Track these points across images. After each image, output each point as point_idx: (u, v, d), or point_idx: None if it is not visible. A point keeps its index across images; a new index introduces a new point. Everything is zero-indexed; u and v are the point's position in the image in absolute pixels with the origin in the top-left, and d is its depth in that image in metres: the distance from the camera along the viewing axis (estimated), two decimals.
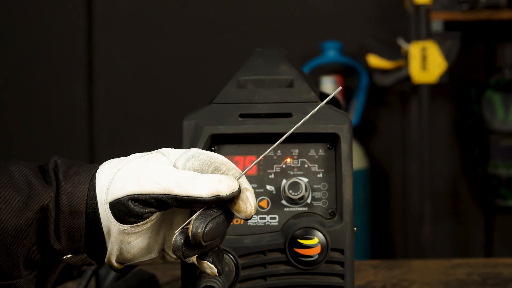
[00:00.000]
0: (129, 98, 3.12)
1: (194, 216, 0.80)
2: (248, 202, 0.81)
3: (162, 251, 0.85)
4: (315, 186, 1.00)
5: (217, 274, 0.83)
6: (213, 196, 0.79)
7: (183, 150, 0.85)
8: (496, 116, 2.93)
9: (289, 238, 0.97)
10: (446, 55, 2.76)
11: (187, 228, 0.80)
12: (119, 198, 0.81)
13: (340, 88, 0.83)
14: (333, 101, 1.09)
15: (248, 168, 0.82)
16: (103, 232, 0.82)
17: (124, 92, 3.12)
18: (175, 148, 0.87)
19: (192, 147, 0.95)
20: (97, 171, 0.84)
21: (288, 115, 0.99)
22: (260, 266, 0.98)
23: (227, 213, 0.82)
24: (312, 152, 1.00)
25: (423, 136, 2.82)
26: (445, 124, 3.11)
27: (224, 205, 0.82)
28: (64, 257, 0.83)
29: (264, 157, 0.89)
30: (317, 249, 0.97)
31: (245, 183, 0.82)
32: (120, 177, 0.82)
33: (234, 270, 0.97)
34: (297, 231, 0.97)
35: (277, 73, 1.03)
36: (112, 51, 3.11)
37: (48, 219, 0.81)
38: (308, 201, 0.99)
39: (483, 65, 3.09)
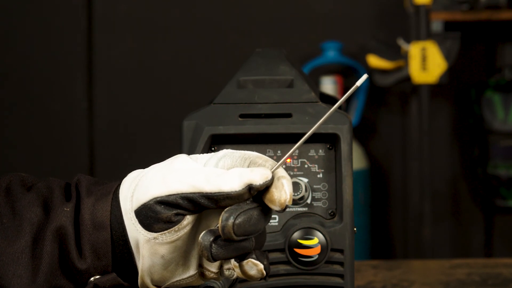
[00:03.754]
0: (129, 98, 3.12)
1: (224, 210, 0.73)
2: (283, 190, 0.73)
3: (200, 267, 0.78)
4: (315, 186, 1.00)
5: (265, 273, 0.75)
6: (246, 187, 0.73)
7: (212, 153, 0.78)
8: (496, 116, 2.93)
9: (289, 238, 0.97)
10: (446, 55, 2.76)
11: (217, 227, 0.73)
12: (145, 203, 0.74)
13: (367, 75, 0.77)
14: (333, 102, 1.08)
15: (285, 157, 0.76)
16: (130, 246, 0.76)
17: (124, 92, 3.12)
18: (175, 149, 0.85)
19: (192, 147, 0.94)
20: (121, 183, 0.78)
21: (288, 115, 0.99)
22: None
23: (263, 207, 0.74)
24: (312, 152, 1.00)
25: (423, 136, 2.82)
26: (445, 124, 3.11)
27: (259, 198, 0.75)
28: (92, 278, 0.77)
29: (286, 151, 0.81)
30: (317, 250, 0.97)
31: (281, 172, 0.75)
32: (145, 181, 0.76)
33: None
34: (297, 231, 0.97)
35: (277, 73, 1.03)
36: (112, 51, 3.11)
37: (66, 237, 0.76)
38: (308, 201, 0.99)
39: (483, 65, 3.09)
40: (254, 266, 0.75)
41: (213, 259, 0.73)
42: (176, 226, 0.75)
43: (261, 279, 0.76)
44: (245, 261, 0.75)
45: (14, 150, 3.13)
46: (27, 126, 3.13)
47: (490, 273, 1.33)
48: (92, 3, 3.10)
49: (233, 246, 0.74)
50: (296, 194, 0.98)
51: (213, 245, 0.73)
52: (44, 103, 3.12)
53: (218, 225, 0.73)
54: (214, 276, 0.78)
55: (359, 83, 0.73)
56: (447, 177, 3.12)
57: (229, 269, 0.78)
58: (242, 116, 0.99)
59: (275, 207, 0.73)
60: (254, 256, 0.75)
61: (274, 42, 3.05)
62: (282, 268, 0.98)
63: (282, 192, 0.73)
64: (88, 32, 3.11)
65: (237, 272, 0.76)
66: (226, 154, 0.77)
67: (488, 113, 2.94)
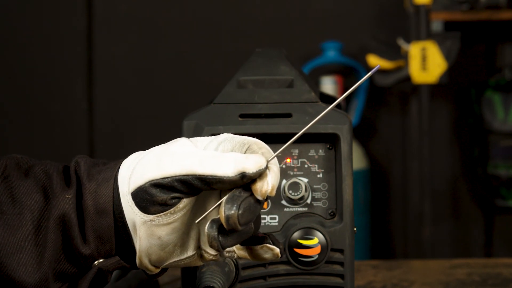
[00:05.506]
0: (129, 98, 3.12)
1: (223, 199, 0.74)
2: (266, 180, 0.74)
3: (199, 248, 0.79)
4: (315, 186, 1.00)
5: (280, 256, 0.78)
6: (239, 174, 0.73)
7: (213, 137, 0.79)
8: (496, 116, 2.93)
9: (289, 238, 0.97)
10: (446, 55, 2.76)
11: (218, 217, 0.74)
12: (140, 186, 0.75)
13: (379, 66, 0.78)
14: (333, 102, 1.08)
15: (280, 150, 0.77)
16: (128, 227, 0.77)
17: (124, 92, 3.12)
18: None
19: None
20: (120, 165, 0.79)
21: (288, 115, 0.99)
22: (260, 266, 0.98)
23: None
24: (312, 152, 1.00)
25: (423, 136, 2.82)
26: (445, 124, 3.11)
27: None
28: (96, 262, 0.78)
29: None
30: (317, 249, 0.97)
31: (272, 162, 0.75)
32: (142, 165, 0.77)
33: (234, 270, 0.97)
34: (297, 231, 0.97)
35: (277, 73, 1.03)
36: (112, 51, 3.11)
37: (69, 224, 0.77)
38: (308, 201, 0.99)
39: (483, 65, 3.09)
40: (270, 251, 0.78)
41: (222, 248, 0.74)
42: (172, 209, 0.75)
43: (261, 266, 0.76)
44: (259, 246, 0.77)
45: (14, 150, 3.13)
46: (27, 126, 3.13)
47: (490, 273, 1.33)
48: (92, 3, 3.10)
49: (237, 233, 0.75)
50: (296, 194, 0.99)
51: (220, 236, 0.74)
52: (44, 103, 3.12)
53: (219, 216, 0.73)
54: (214, 258, 0.79)
55: (372, 72, 0.74)
56: (447, 177, 3.12)
57: (229, 251, 0.79)
58: (242, 116, 0.99)
59: (257, 196, 0.74)
60: (269, 241, 0.77)
61: (274, 42, 3.04)
62: (282, 268, 0.98)
63: (265, 183, 0.74)
64: (88, 32, 3.11)
65: (240, 255, 0.79)
66: (227, 139, 0.78)
67: (488, 113, 2.94)
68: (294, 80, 1.02)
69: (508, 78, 2.97)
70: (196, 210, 0.78)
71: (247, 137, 0.78)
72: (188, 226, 0.78)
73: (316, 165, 1.00)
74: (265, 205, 1.00)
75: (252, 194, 0.74)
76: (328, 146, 1.00)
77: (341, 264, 0.98)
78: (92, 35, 3.11)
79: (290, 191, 0.99)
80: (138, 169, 0.77)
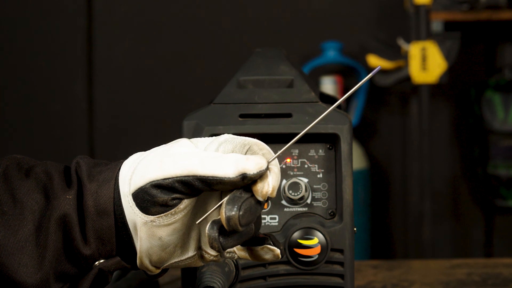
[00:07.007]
0: (129, 98, 3.12)
1: (224, 200, 0.74)
2: (266, 182, 0.74)
3: (199, 249, 0.79)
4: (315, 186, 1.00)
5: (280, 256, 0.78)
6: (240, 175, 0.74)
7: (213, 137, 0.79)
8: (496, 116, 2.93)
9: (289, 238, 0.97)
10: (446, 55, 2.76)
11: (218, 218, 0.74)
12: (141, 187, 0.75)
13: (380, 67, 0.77)
14: (333, 102, 1.08)
15: (281, 150, 0.77)
16: (128, 228, 0.77)
17: (124, 92, 3.12)
18: None
19: None
20: (121, 166, 0.79)
21: (288, 115, 0.99)
22: (260, 266, 0.98)
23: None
24: (312, 152, 1.00)
25: (423, 136, 2.82)
26: (445, 124, 3.11)
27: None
28: (96, 262, 0.78)
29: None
30: (317, 249, 0.97)
31: (273, 163, 0.76)
32: (143, 165, 0.77)
33: (234, 270, 0.97)
34: (297, 231, 0.97)
35: (277, 73, 1.03)
36: (112, 51, 3.11)
37: (70, 224, 0.77)
38: (308, 201, 0.99)
39: (483, 65, 3.09)
40: (270, 252, 0.78)
41: (223, 249, 0.74)
42: (173, 210, 0.75)
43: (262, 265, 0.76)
44: (260, 247, 0.78)
45: (14, 150, 3.13)
46: (27, 126, 3.13)
47: (490, 273, 1.33)
48: (92, 3, 3.10)
49: (238, 234, 0.75)
50: (296, 194, 0.99)
51: (220, 236, 0.74)
52: (44, 103, 3.12)
53: (220, 217, 0.74)
54: (214, 258, 0.79)
55: (372, 74, 0.74)
56: (447, 177, 3.12)
57: (230, 252, 0.80)
58: (242, 116, 0.99)
59: (258, 197, 0.74)
60: (270, 242, 0.78)
61: (274, 42, 3.04)
62: (282, 268, 0.98)
63: (266, 184, 0.74)
64: (88, 32, 3.11)
65: (241, 255, 0.79)
66: (227, 140, 0.78)
67: (488, 113, 2.94)
68: (294, 80, 1.02)
69: (508, 78, 2.97)
70: (196, 211, 0.78)
71: (248, 138, 0.78)
72: (189, 227, 0.78)
73: (316, 165, 1.00)
74: (265, 206, 1.00)
75: (252, 195, 0.75)
76: (328, 146, 1.00)
77: (341, 264, 0.98)
78: (92, 34, 3.11)
79: (290, 191, 0.99)
80: (139, 169, 0.77)
